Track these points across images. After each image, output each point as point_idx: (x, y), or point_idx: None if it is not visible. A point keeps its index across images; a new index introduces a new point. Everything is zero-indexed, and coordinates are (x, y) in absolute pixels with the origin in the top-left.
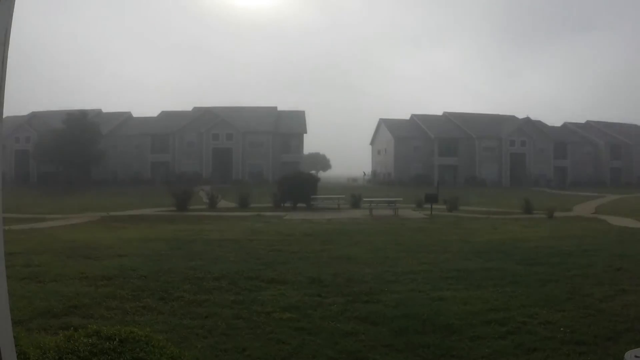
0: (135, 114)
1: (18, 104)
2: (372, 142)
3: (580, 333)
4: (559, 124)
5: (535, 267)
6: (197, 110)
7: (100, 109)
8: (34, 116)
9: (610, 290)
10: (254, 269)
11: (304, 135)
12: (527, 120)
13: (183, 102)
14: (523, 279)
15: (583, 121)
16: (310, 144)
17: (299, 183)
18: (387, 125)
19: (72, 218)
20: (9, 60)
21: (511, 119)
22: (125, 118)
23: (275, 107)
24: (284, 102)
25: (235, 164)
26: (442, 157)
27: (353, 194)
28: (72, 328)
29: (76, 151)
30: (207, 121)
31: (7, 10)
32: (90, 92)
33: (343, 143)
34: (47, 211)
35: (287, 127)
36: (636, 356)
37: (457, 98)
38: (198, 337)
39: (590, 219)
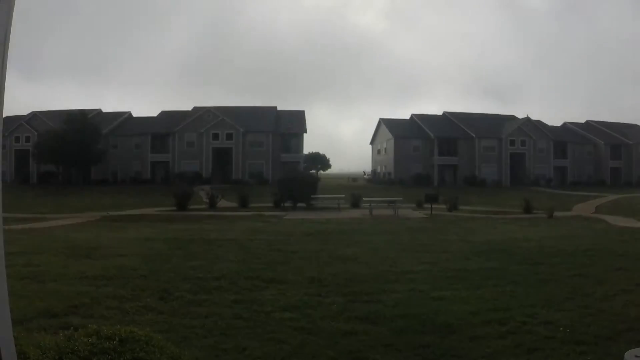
0: (135, 114)
1: (18, 104)
2: (372, 142)
3: (580, 333)
4: (559, 123)
5: (535, 267)
6: (197, 110)
7: (100, 109)
8: (34, 116)
9: (610, 290)
10: (254, 269)
11: (304, 135)
12: (527, 120)
13: (183, 102)
14: (523, 279)
15: (583, 121)
16: (310, 144)
17: (299, 183)
18: (387, 124)
19: (72, 218)
20: (9, 60)
21: (511, 118)
22: (125, 118)
23: (275, 107)
24: (284, 102)
25: (235, 164)
26: (442, 157)
27: (353, 193)
28: (72, 328)
29: (76, 151)
30: (207, 121)
31: (7, 10)
32: (90, 92)
33: (343, 143)
34: (47, 211)
35: (287, 127)
36: (636, 356)
37: (457, 98)
38: (198, 337)
39: (590, 219)
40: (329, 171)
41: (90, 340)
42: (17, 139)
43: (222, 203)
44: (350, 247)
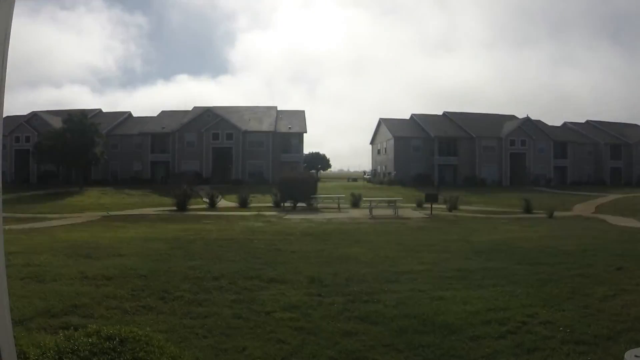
0: (135, 114)
1: (18, 104)
2: (372, 142)
3: (580, 333)
4: (559, 123)
5: (535, 267)
6: (197, 109)
7: (100, 109)
8: (34, 116)
9: (610, 290)
10: (254, 269)
11: (304, 135)
12: (527, 120)
13: (183, 101)
14: (523, 279)
15: (583, 121)
16: (310, 144)
17: (299, 183)
18: (387, 124)
19: (72, 218)
20: (9, 60)
21: (511, 118)
22: (125, 117)
23: (275, 107)
24: (284, 102)
25: (235, 164)
26: (442, 157)
27: (353, 193)
28: (72, 328)
29: (76, 151)
30: (207, 120)
31: (7, 10)
32: (90, 92)
33: (343, 143)
34: (47, 211)
35: (287, 127)
36: (636, 356)
37: (457, 99)
38: (198, 337)
39: (590, 219)
40: (329, 171)
41: (90, 340)
42: (17, 139)
43: (222, 203)
44: (350, 247)
